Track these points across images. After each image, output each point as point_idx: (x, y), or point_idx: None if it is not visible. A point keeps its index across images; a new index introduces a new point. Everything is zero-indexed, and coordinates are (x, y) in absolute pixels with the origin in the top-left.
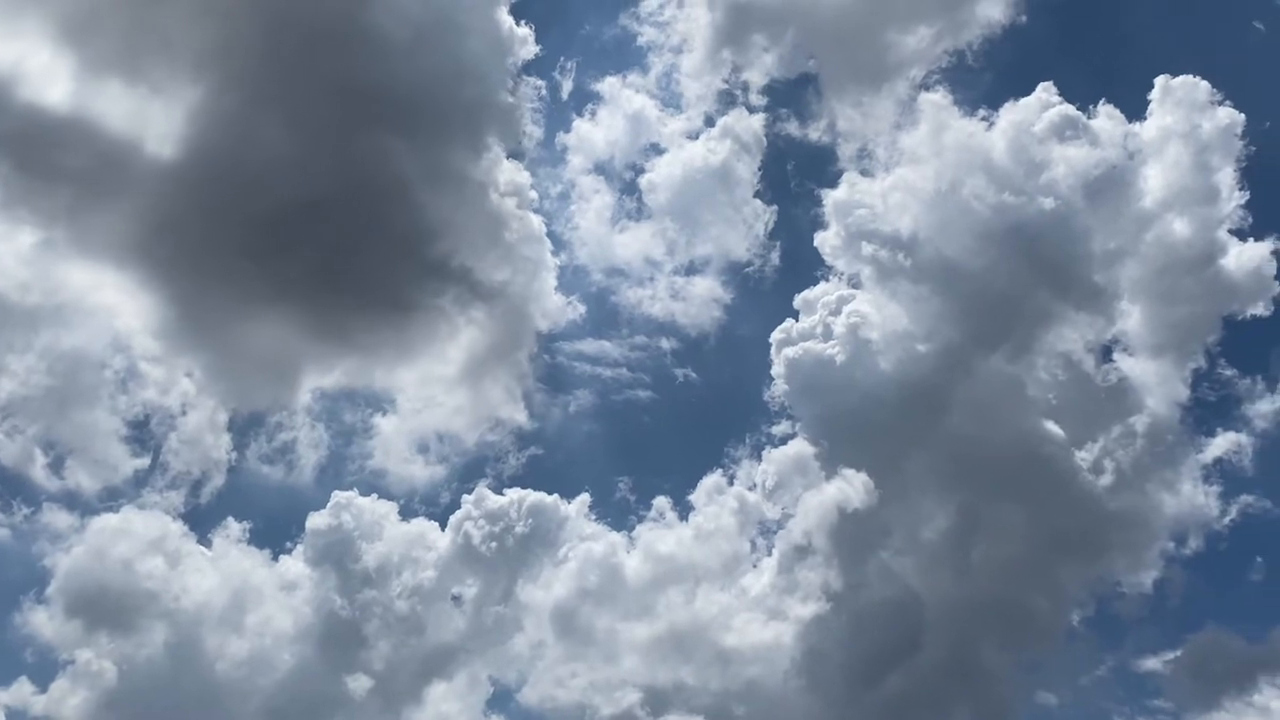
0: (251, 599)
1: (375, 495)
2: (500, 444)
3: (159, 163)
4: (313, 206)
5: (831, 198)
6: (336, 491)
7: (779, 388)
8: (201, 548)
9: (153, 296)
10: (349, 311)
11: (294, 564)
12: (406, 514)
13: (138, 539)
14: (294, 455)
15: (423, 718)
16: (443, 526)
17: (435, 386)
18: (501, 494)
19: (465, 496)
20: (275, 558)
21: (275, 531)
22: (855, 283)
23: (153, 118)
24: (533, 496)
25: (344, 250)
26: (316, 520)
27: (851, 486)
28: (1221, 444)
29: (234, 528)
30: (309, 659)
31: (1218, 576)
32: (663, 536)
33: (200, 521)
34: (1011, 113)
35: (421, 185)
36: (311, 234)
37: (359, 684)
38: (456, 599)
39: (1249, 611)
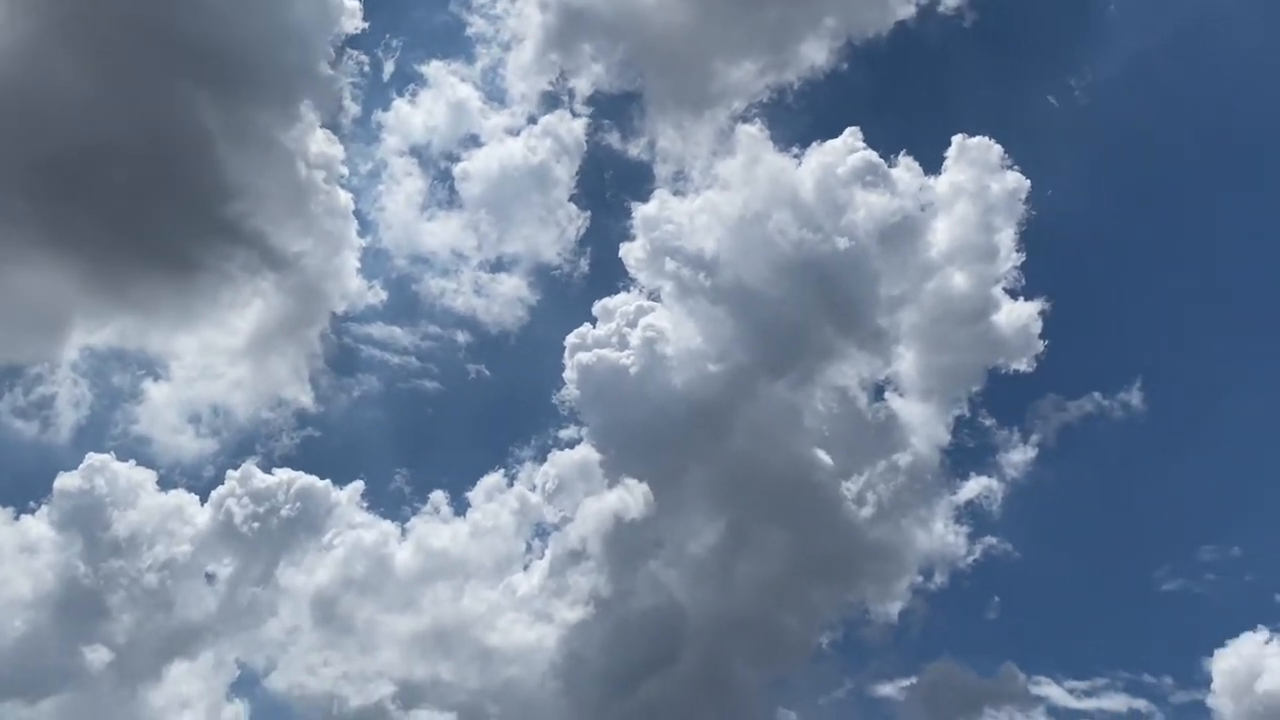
0: None
1: (134, 462)
2: (275, 422)
3: None
4: (102, 151)
5: (641, 211)
6: (92, 454)
7: (570, 392)
8: None
9: None
10: (129, 266)
11: (38, 525)
12: (165, 485)
13: None
14: (52, 412)
15: (161, 697)
16: (203, 501)
17: (216, 356)
18: (270, 473)
19: (231, 473)
20: (18, 517)
21: (21, 489)
22: (655, 296)
23: None
24: (303, 479)
25: (131, 200)
26: (66, 481)
27: (631, 496)
28: (974, 487)
29: None
30: (44, 626)
31: (957, 611)
32: (436, 531)
33: None
34: (819, 154)
35: (224, 143)
36: (98, 180)
37: (97, 656)
38: (210, 577)
39: (982, 646)
